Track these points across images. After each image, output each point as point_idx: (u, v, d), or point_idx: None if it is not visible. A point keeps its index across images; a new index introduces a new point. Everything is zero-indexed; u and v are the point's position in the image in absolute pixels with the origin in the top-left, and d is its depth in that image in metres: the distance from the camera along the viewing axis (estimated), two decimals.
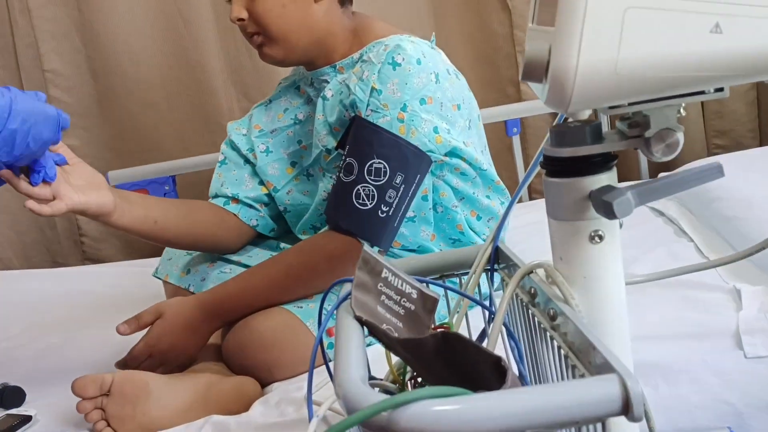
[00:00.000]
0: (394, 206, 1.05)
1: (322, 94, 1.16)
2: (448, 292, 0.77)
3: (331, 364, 0.72)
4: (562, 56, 0.43)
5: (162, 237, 1.13)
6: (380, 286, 0.66)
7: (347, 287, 0.69)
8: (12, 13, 1.87)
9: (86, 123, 1.96)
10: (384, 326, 0.64)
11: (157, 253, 1.92)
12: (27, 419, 1.00)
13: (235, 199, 1.24)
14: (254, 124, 1.27)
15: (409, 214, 1.12)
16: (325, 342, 1.07)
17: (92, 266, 1.90)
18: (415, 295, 0.67)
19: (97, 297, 1.53)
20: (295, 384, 1.01)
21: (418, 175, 1.07)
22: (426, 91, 1.07)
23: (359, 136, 1.06)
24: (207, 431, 0.91)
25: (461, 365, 0.53)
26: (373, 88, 1.06)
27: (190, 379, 1.02)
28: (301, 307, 1.08)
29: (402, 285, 0.67)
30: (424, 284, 0.69)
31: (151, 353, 1.06)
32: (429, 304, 0.67)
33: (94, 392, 0.95)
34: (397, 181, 1.05)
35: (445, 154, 1.10)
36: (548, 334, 0.58)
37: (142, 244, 2.04)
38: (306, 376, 1.02)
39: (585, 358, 0.52)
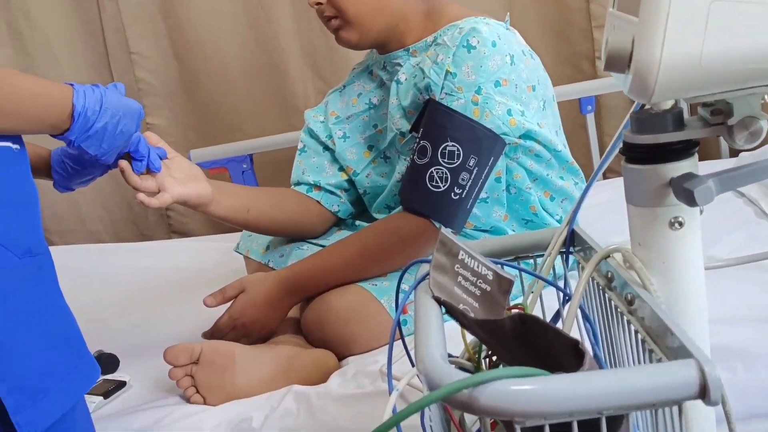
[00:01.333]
0: (467, 188, 1.07)
1: (395, 78, 1.18)
2: (523, 273, 0.79)
3: (407, 340, 0.76)
4: (646, 49, 0.44)
5: (254, 225, 1.20)
6: (457, 268, 0.68)
7: (424, 268, 0.72)
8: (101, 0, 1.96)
9: (171, 104, 2.04)
10: (461, 306, 0.66)
11: (239, 228, 2.02)
12: (122, 384, 1.08)
13: (317, 186, 1.28)
14: (330, 111, 1.30)
15: (482, 195, 1.13)
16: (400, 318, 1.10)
17: (178, 241, 1.98)
18: (490, 277, 0.69)
19: (183, 271, 1.61)
20: (370, 358, 1.05)
21: (492, 158, 1.08)
22: (501, 74, 1.07)
23: (433, 119, 1.08)
24: (289, 400, 0.96)
25: (538, 347, 0.55)
26: (447, 71, 1.07)
27: (272, 351, 1.07)
28: (376, 285, 1.11)
29: (478, 266, 0.69)
30: (500, 266, 0.71)
31: (234, 325, 1.12)
32: (504, 285, 0.69)
33: (185, 360, 1.01)
34: (471, 164, 1.06)
35: (519, 137, 1.11)
36: (625, 318, 0.59)
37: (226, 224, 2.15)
38: (380, 350, 1.07)
39: (662, 343, 0.53)
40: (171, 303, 1.43)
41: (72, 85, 0.84)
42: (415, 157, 1.09)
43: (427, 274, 0.68)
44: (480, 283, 0.69)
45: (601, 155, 1.84)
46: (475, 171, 1.07)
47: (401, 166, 1.22)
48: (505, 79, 1.08)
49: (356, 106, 1.29)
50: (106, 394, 1.05)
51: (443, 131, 1.06)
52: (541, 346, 0.55)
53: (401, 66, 1.19)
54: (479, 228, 1.19)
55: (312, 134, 1.32)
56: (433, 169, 1.07)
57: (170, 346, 1.02)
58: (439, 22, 1.15)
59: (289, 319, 1.18)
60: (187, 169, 1.09)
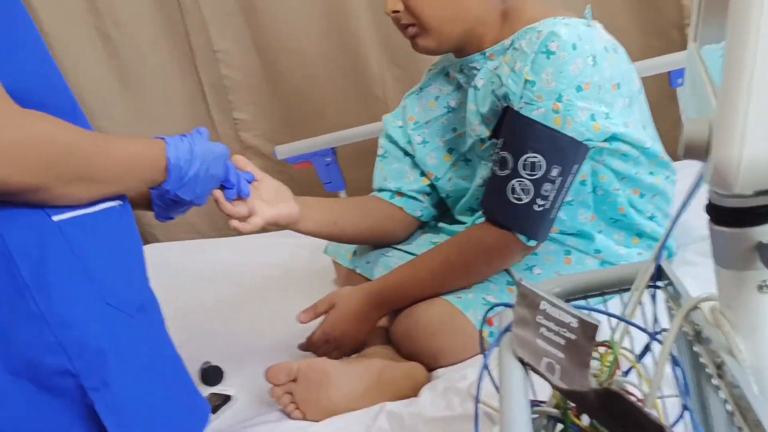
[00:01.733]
0: (550, 200, 1.06)
1: (473, 84, 1.17)
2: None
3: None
4: (725, 148, 0.42)
5: (341, 236, 1.24)
6: (539, 319, 0.68)
7: (508, 315, 0.72)
8: (182, 1, 2.01)
9: (255, 98, 2.09)
10: (545, 360, 0.67)
11: None
12: (227, 398, 1.15)
13: (400, 193, 1.29)
14: (409, 116, 1.30)
15: (567, 198, 1.11)
16: (486, 331, 1.12)
17: (267, 236, 2.02)
18: (575, 324, 0.69)
19: (277, 268, 1.67)
20: (458, 372, 1.07)
21: (575, 165, 1.06)
22: (582, 77, 1.04)
23: (513, 130, 1.07)
24: (382, 420, 1.00)
25: (624, 420, 0.55)
26: (526, 80, 1.05)
27: (364, 365, 1.11)
28: (461, 298, 1.13)
29: (561, 315, 0.69)
30: (584, 311, 0.71)
31: (327, 339, 1.17)
32: (589, 331, 0.69)
33: (284, 379, 1.07)
34: (553, 174, 1.05)
35: (605, 140, 1.08)
36: (713, 381, 0.59)
37: None
38: (467, 363, 1.09)
39: (751, 419, 0.52)
40: (267, 303, 1.50)
41: (163, 138, 0.88)
42: (496, 168, 1.09)
43: (511, 325, 0.69)
44: (564, 332, 0.69)
45: None
46: (558, 181, 1.05)
47: (482, 171, 1.22)
48: (588, 82, 1.04)
49: (434, 110, 1.28)
50: (215, 409, 1.12)
51: (524, 142, 1.05)
52: (627, 422, 0.55)
53: (478, 70, 1.17)
54: (564, 232, 1.18)
55: (391, 140, 1.33)
56: (514, 181, 1.06)
57: (270, 366, 1.08)
58: (517, 24, 1.12)
59: (378, 328, 1.21)
60: (275, 189, 1.13)
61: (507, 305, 0.74)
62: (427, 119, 1.29)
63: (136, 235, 0.86)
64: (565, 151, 1.04)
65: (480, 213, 1.26)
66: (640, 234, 1.20)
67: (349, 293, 1.18)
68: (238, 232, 1.07)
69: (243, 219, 1.07)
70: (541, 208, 1.06)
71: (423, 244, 1.32)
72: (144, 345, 0.76)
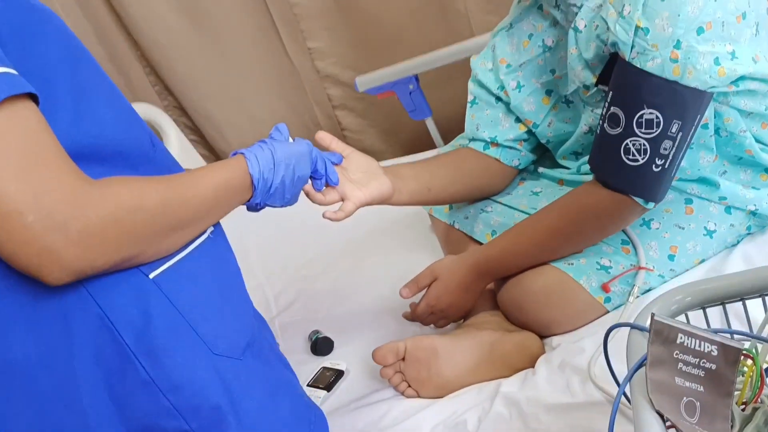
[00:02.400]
0: (670, 158, 0.95)
1: (573, 26, 1.03)
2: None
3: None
4: None
5: (437, 200, 1.18)
6: (676, 354, 0.62)
7: (638, 343, 0.65)
8: None
9: (328, 24, 1.99)
10: (684, 400, 0.61)
11: (415, 147, 1.99)
12: (340, 374, 1.16)
13: (494, 143, 1.20)
14: (500, 58, 1.18)
15: None
16: (602, 297, 1.06)
17: None
18: (715, 353, 0.63)
19: (372, 215, 1.63)
20: (575, 344, 1.03)
21: (699, 116, 0.94)
22: (704, 16, 0.90)
23: (625, 83, 0.95)
24: (499, 404, 0.98)
25: None
26: (638, 27, 0.91)
27: (473, 338, 1.08)
28: (572, 264, 1.06)
29: (700, 345, 0.62)
30: (726, 335, 0.64)
31: (432, 311, 1.14)
32: (732, 356, 0.63)
33: (393, 359, 1.06)
34: (673, 130, 0.93)
35: (731, 83, 0.94)
36: None
37: (401, 134, 2.13)
38: (584, 332, 1.04)
39: None
40: (367, 257, 1.48)
41: (243, 153, 0.83)
42: (605, 125, 0.98)
43: (644, 360, 0.63)
44: (704, 363, 0.63)
45: None
46: (679, 137, 0.93)
47: (588, 117, 1.11)
48: (710, 21, 0.90)
49: (528, 50, 1.16)
50: (329, 387, 1.14)
51: (638, 97, 0.93)
52: None
53: (578, 7, 1.03)
54: (684, 179, 1.07)
55: (481, 85, 1.22)
56: (628, 140, 0.95)
57: (377, 348, 1.07)
58: None
59: (486, 292, 1.17)
60: (363, 165, 1.07)
61: (632, 326, 0.68)
62: (520, 61, 1.17)
63: (232, 259, 0.83)
64: (687, 104, 0.92)
65: (585, 158, 1.17)
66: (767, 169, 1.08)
67: (451, 265, 1.13)
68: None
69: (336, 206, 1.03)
70: (659, 168, 0.95)
71: (523, 194, 1.24)
72: (257, 384, 0.75)
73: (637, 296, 1.05)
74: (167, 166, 0.79)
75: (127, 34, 2.11)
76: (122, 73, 2.16)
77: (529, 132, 1.21)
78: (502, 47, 1.19)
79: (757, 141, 1.06)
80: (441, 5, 1.84)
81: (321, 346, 1.23)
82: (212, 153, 2.33)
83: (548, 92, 1.17)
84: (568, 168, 1.21)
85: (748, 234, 1.12)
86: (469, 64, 1.72)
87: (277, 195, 0.86)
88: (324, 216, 1.02)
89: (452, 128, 1.94)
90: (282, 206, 0.90)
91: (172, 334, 0.69)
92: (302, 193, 0.97)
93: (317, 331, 1.26)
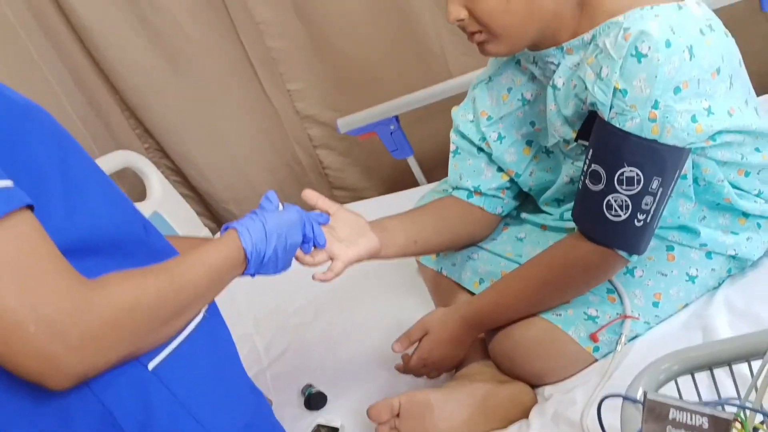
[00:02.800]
0: (651, 212, 0.97)
1: (551, 83, 1.06)
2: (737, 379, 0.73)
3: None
4: None
5: (424, 251, 1.21)
6: (669, 429, 0.64)
7: (632, 417, 0.67)
8: None
9: (306, 65, 2.01)
10: None
11: (398, 184, 2.01)
12: (336, 431, 1.16)
13: (478, 192, 1.22)
14: (480, 110, 1.21)
15: None
16: (590, 347, 1.08)
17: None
18: (706, 425, 0.65)
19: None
20: (567, 395, 1.04)
21: (678, 170, 0.97)
22: (680, 76, 0.92)
23: (604, 142, 0.97)
24: None
25: None
26: (616, 89, 0.94)
27: (466, 390, 1.09)
28: (560, 315, 1.08)
29: (691, 418, 0.65)
30: (717, 407, 0.66)
31: (424, 364, 1.15)
32: (722, 427, 0.65)
33: (388, 416, 1.07)
34: (654, 186, 0.96)
35: (709, 138, 0.97)
36: None
37: (383, 171, 2.15)
38: (575, 381, 1.06)
39: None
40: (357, 305, 1.48)
41: (234, 227, 0.84)
42: (587, 181, 1.00)
43: None
44: None
45: None
46: (659, 192, 0.96)
47: (568, 169, 1.14)
48: (686, 80, 0.93)
49: (508, 104, 1.18)
50: None
51: (618, 156, 0.95)
52: None
53: (555, 65, 1.06)
54: (665, 227, 1.10)
55: (463, 136, 1.24)
56: (610, 197, 0.97)
57: (371, 405, 1.07)
58: (597, 15, 0.99)
59: (477, 341, 1.19)
60: (351, 222, 1.09)
61: (624, 397, 0.70)
62: (500, 114, 1.19)
63: (227, 335, 0.84)
64: (666, 161, 0.94)
65: (567, 206, 1.19)
66: (746, 214, 1.11)
67: (442, 318, 1.15)
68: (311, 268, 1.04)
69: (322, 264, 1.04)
70: (641, 223, 0.98)
71: (508, 240, 1.26)
72: None
73: (625, 344, 1.07)
74: (161, 247, 0.80)
75: (105, 78, 2.11)
76: (101, 117, 2.15)
77: (512, 181, 1.23)
78: (482, 100, 1.21)
79: (735, 187, 1.09)
80: (417, 46, 1.87)
81: (315, 400, 1.24)
82: (194, 193, 2.33)
83: (528, 143, 1.20)
84: (550, 214, 1.24)
85: (729, 276, 1.15)
86: (449, 103, 1.76)
87: (270, 264, 0.88)
88: (314, 278, 1.03)
89: (434, 165, 1.96)
90: (275, 274, 0.91)
91: (173, 424, 0.69)
92: None
93: (310, 385, 1.27)
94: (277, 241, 0.87)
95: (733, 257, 1.12)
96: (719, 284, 1.15)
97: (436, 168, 1.93)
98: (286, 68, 2.01)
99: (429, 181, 1.96)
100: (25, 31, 1.93)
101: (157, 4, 1.96)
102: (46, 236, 0.62)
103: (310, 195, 1.10)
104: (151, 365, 0.70)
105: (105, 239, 0.71)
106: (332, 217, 1.08)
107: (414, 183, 1.98)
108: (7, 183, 0.61)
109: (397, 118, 1.84)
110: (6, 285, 0.58)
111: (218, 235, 2.04)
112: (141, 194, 2.06)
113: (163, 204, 1.98)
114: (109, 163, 1.90)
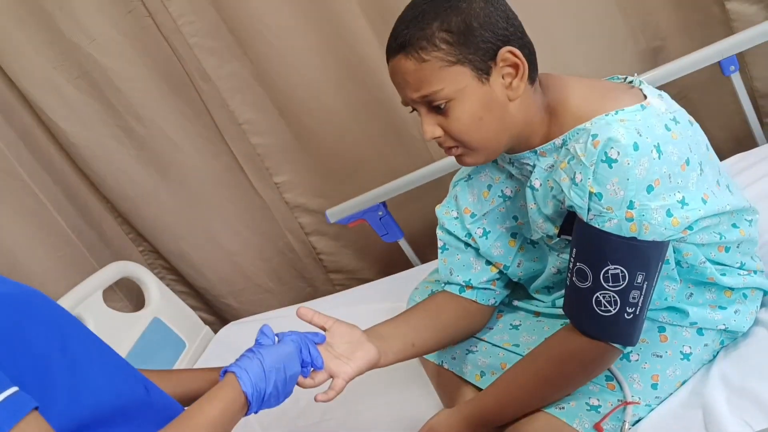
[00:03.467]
0: (639, 305, 1.00)
1: (529, 184, 1.10)
2: None
3: None
4: None
5: (422, 352, 1.22)
6: None
7: None
8: (195, 82, 1.96)
9: (290, 158, 2.06)
10: None
11: (390, 268, 2.04)
12: None
13: (469, 286, 1.25)
14: (463, 208, 1.24)
15: None
16: None
17: (342, 300, 1.96)
18: None
19: None
20: None
21: (660, 263, 1.00)
22: (651, 175, 0.96)
23: (586, 243, 1.00)
24: None
25: None
26: (591, 192, 0.98)
27: None
28: (563, 408, 1.10)
29: None
30: None
31: None
32: None
33: None
34: (639, 280, 0.99)
35: (686, 228, 1.01)
36: None
37: (375, 252, 2.19)
38: None
39: None
40: (361, 401, 1.49)
41: (232, 371, 0.87)
42: (574, 279, 1.03)
43: None
44: None
45: (757, 116, 1.64)
46: (645, 285, 0.99)
47: (554, 261, 1.17)
48: (657, 179, 0.96)
49: (489, 200, 1.22)
50: None
51: (601, 255, 0.99)
52: None
53: (531, 165, 1.10)
54: (655, 309, 1.12)
55: (449, 233, 1.27)
56: (598, 293, 1.00)
57: None
58: (564, 120, 1.03)
59: None
60: (347, 336, 1.11)
61: None
62: (484, 211, 1.23)
63: None
64: (648, 256, 0.98)
65: (558, 293, 1.22)
66: (731, 287, 1.14)
67: (447, 420, 1.16)
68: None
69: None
70: (631, 316, 1.01)
71: (503, 329, 1.29)
72: None
73: (629, 430, 1.09)
74: (164, 405, 0.82)
75: (95, 190, 2.16)
76: (94, 226, 2.19)
77: (501, 272, 1.26)
78: (464, 197, 1.25)
79: (717, 263, 1.12)
80: (396, 133, 1.93)
81: None
82: (191, 289, 2.35)
83: (513, 235, 1.23)
84: (542, 301, 1.27)
85: (723, 347, 1.18)
86: (434, 184, 1.81)
87: (271, 400, 0.90)
88: (316, 399, 1.04)
89: (425, 243, 2.00)
90: (277, 406, 0.93)
91: None
92: None
93: None
94: (276, 375, 0.89)
95: (725, 330, 1.15)
96: (714, 356, 1.17)
97: (427, 246, 1.97)
98: (271, 163, 2.06)
99: (422, 259, 1.99)
100: (14, 153, 1.98)
101: (141, 114, 2.01)
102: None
103: (305, 312, 1.12)
104: None
105: (110, 410, 0.73)
106: (328, 332, 1.10)
107: (408, 263, 2.01)
108: (12, 390, 0.63)
109: (384, 203, 1.88)
110: None
111: (222, 330, 2.03)
112: (140, 301, 2.08)
113: (162, 308, 2.00)
114: (107, 274, 1.92)
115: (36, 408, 0.65)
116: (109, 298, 2.07)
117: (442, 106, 1.01)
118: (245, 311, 2.28)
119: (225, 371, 0.88)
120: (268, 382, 0.88)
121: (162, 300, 2.03)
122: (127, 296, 2.20)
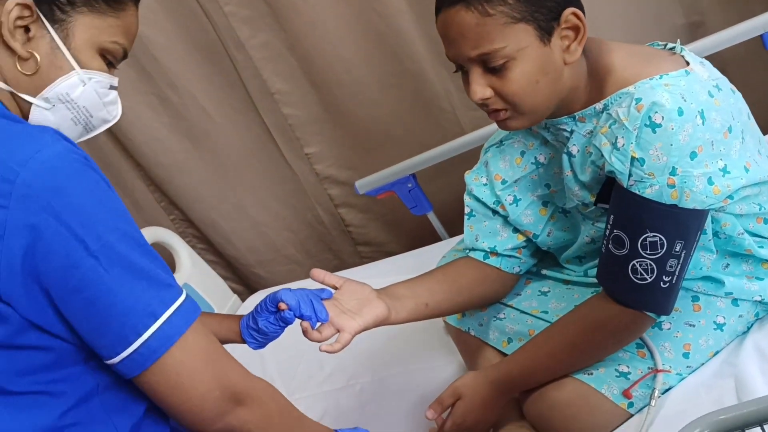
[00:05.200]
0: (676, 274, 0.99)
1: (566, 150, 1.09)
2: None
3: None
4: None
5: (436, 315, 1.20)
6: None
7: None
8: (229, 51, 1.97)
9: (321, 129, 2.06)
10: None
11: (418, 241, 2.04)
12: None
13: (494, 252, 1.24)
14: (494, 174, 1.22)
15: None
16: (624, 404, 1.09)
17: (367, 272, 1.95)
18: None
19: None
20: None
21: (699, 232, 0.99)
22: (694, 141, 0.94)
23: (625, 209, 0.99)
24: None
25: None
26: (633, 158, 0.96)
27: None
28: (592, 374, 1.09)
29: None
30: None
31: (459, 429, 1.16)
32: None
33: None
34: (677, 249, 0.97)
35: (727, 197, 0.99)
36: None
37: (404, 225, 2.19)
38: None
39: None
40: (386, 368, 1.50)
41: None
42: (610, 246, 1.02)
43: None
44: None
45: None
46: (683, 254, 0.98)
47: (588, 229, 1.15)
48: (700, 145, 0.95)
49: (521, 167, 1.21)
50: None
51: (640, 222, 0.97)
52: None
53: (567, 131, 1.08)
54: (690, 278, 1.11)
55: (477, 199, 1.25)
56: (635, 261, 0.99)
57: None
58: (607, 85, 1.02)
59: (512, 400, 1.20)
60: (357, 292, 1.11)
61: None
62: (515, 177, 1.21)
63: None
64: (687, 225, 0.96)
65: (590, 263, 1.21)
66: None
67: (473, 383, 1.16)
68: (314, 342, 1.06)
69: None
70: (667, 285, 1.00)
71: (532, 295, 1.28)
72: None
73: (659, 397, 1.08)
74: None
75: (129, 157, 2.18)
76: (127, 193, 2.22)
77: (528, 240, 1.23)
78: (495, 164, 1.23)
79: (755, 235, 1.10)
80: (426, 105, 1.92)
81: None
82: (221, 258, 2.38)
83: (545, 204, 1.22)
84: (573, 270, 1.25)
85: (757, 319, 1.16)
86: (464, 157, 1.80)
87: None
88: (321, 350, 1.05)
89: (454, 218, 1.99)
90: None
91: None
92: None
93: None
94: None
95: (760, 302, 1.13)
96: (748, 329, 1.15)
97: (456, 220, 1.96)
98: (302, 133, 2.07)
99: (450, 233, 1.99)
100: None
101: (175, 83, 2.03)
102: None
103: (317, 274, 1.12)
104: None
105: None
106: (339, 289, 1.10)
107: (436, 236, 2.01)
108: (182, 298, 0.83)
109: (414, 175, 1.87)
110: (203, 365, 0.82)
111: (249, 299, 2.11)
112: (171, 267, 2.11)
113: (193, 276, 2.03)
114: None
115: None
116: None
117: (499, 66, 0.98)
118: (273, 281, 2.29)
119: None
120: None
121: (192, 267, 2.06)
122: None
